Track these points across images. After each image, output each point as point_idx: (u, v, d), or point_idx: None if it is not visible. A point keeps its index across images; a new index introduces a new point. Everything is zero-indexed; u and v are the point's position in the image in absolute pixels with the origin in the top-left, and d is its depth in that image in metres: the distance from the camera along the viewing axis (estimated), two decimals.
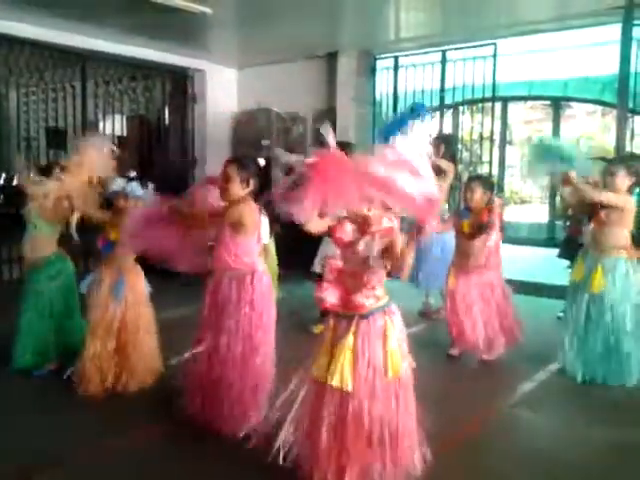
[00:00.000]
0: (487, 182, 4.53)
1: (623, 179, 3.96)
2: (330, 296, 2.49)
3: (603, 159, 4.77)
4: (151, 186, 3.83)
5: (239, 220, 3.05)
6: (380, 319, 2.49)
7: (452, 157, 5.62)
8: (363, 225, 2.50)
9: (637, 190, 4.22)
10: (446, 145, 5.59)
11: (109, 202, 3.76)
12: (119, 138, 8.42)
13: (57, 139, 7.47)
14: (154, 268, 3.83)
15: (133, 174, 3.75)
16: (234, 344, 3.08)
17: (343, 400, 2.46)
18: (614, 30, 5.95)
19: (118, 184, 3.67)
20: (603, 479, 2.89)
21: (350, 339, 2.45)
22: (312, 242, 4.97)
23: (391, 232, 2.44)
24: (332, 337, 2.54)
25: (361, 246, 2.48)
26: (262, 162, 3.35)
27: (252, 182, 3.15)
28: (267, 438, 2.78)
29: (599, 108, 10.29)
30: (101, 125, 8.23)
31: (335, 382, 2.42)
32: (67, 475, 2.81)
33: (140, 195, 3.73)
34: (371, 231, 2.46)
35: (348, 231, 2.56)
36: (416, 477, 2.57)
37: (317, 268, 5.00)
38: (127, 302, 3.71)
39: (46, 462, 2.88)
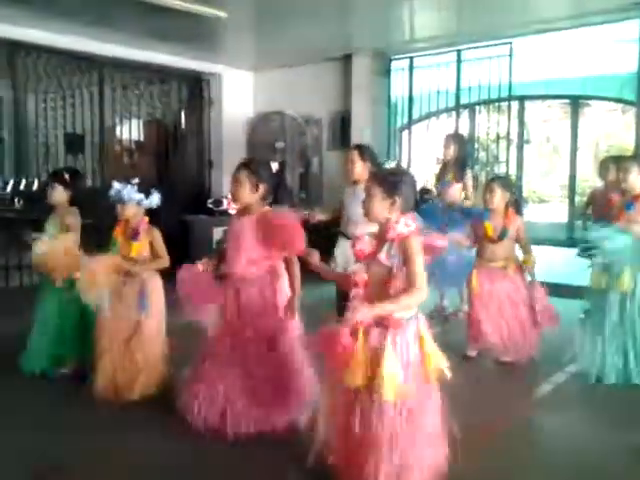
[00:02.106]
0: (506, 182, 4.47)
1: (637, 176, 3.96)
2: (360, 315, 2.31)
3: (621, 157, 4.72)
4: (156, 193, 3.75)
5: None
6: (413, 325, 2.45)
7: (464, 158, 5.56)
8: (382, 232, 2.47)
9: None
10: (458, 145, 5.54)
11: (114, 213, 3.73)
12: (136, 143, 8.52)
13: (75, 144, 7.56)
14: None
15: (135, 181, 3.66)
16: (262, 346, 3.04)
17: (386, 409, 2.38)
18: (633, 27, 5.88)
19: (115, 189, 3.61)
20: None
21: (388, 350, 2.37)
22: (327, 242, 4.96)
23: (407, 240, 2.38)
24: (364, 347, 2.40)
25: (382, 254, 2.42)
26: (275, 166, 3.32)
27: (262, 187, 3.11)
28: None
29: (619, 106, 10.16)
30: (118, 130, 8.32)
31: (389, 397, 2.33)
32: (67, 476, 2.82)
33: (138, 200, 3.66)
34: (390, 237, 2.40)
35: (366, 241, 2.51)
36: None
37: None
38: (150, 313, 3.67)
39: (48, 462, 2.89)
